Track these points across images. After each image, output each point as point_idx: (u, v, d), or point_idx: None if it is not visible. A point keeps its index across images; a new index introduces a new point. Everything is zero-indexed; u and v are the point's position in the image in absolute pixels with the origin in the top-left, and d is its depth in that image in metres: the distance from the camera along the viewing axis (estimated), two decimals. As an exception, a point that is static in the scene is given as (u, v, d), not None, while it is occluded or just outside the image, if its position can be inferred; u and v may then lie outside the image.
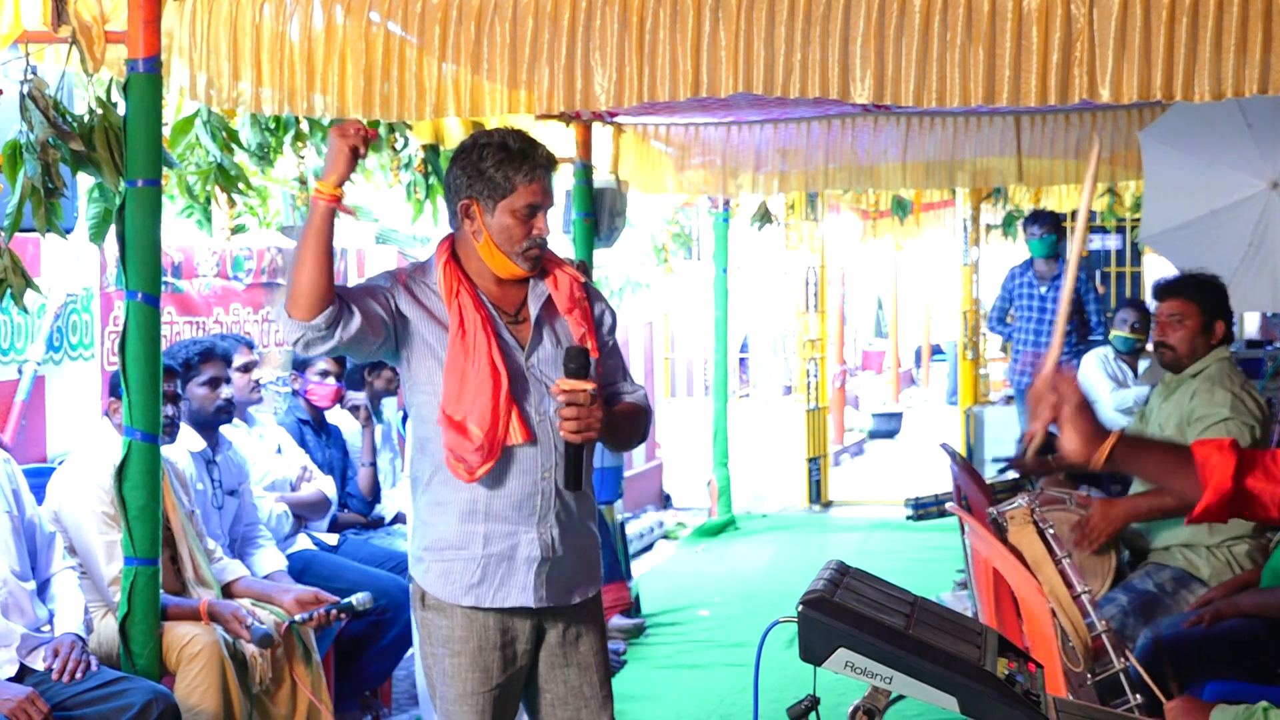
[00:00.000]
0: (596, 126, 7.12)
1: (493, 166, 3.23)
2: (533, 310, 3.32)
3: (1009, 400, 11.20)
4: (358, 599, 4.74)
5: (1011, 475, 5.15)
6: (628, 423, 3.44)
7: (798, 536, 9.89)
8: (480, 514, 3.28)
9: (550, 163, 3.29)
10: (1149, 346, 8.06)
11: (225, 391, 5.02)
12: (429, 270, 3.34)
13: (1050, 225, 9.12)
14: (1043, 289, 9.19)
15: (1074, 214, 10.18)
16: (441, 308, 3.28)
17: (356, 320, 3.19)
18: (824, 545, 9.48)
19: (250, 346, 5.63)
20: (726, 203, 10.14)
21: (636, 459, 10.27)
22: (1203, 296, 4.73)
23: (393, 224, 8.49)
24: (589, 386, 3.15)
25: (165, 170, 4.26)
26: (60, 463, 4.81)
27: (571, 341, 3.31)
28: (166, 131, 4.68)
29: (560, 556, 3.31)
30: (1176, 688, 4.04)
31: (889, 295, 19.38)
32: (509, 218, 3.24)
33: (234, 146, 5.43)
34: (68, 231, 4.35)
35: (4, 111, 4.23)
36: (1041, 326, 9.19)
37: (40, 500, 4.41)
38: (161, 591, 4.15)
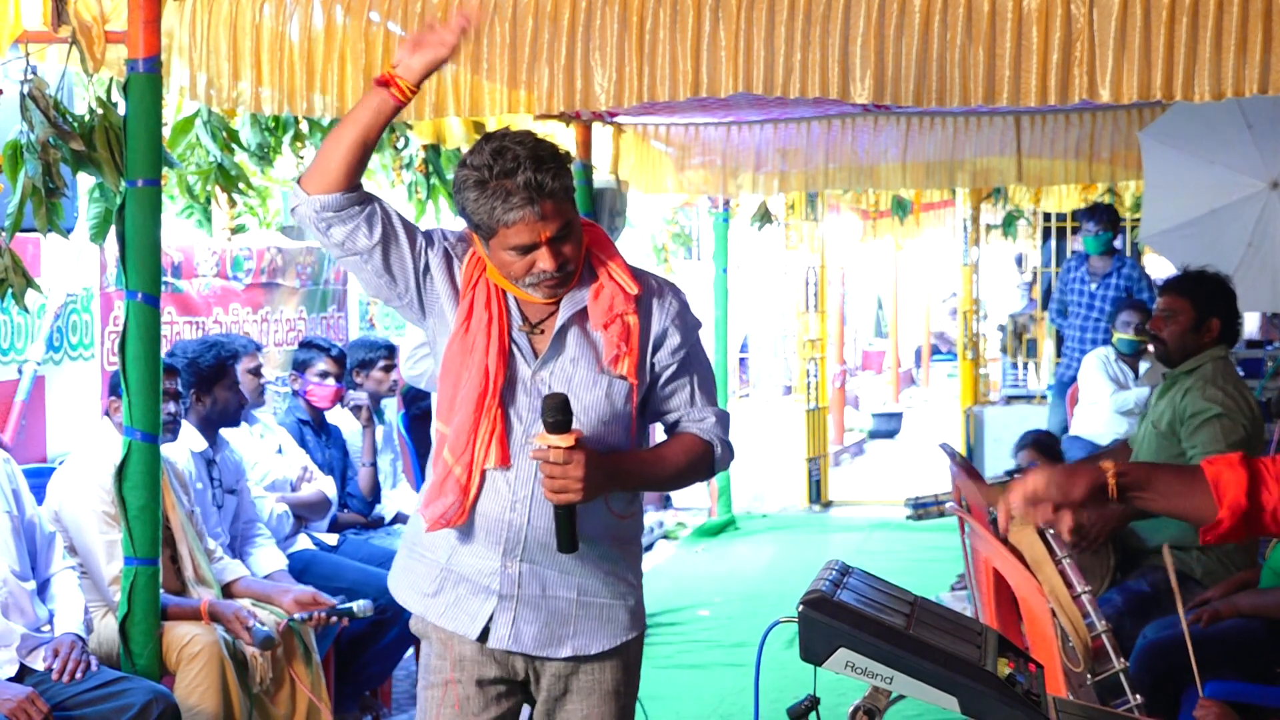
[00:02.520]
0: (596, 126, 7.13)
1: (472, 204, 2.79)
2: (560, 318, 2.88)
3: (1010, 400, 11.20)
4: (358, 606, 4.72)
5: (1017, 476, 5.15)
6: (668, 462, 2.98)
7: (798, 536, 9.89)
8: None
9: (539, 185, 2.74)
10: (1150, 347, 8.06)
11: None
12: (465, 250, 2.96)
13: (1106, 222, 9.04)
14: (1093, 286, 9.12)
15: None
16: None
17: (378, 232, 2.85)
18: (824, 545, 9.48)
19: (259, 349, 5.66)
20: (726, 203, 10.14)
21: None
22: (1198, 293, 4.74)
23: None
24: (563, 443, 2.71)
25: (165, 170, 4.27)
26: (60, 463, 4.81)
27: (601, 359, 2.88)
28: (166, 131, 4.69)
29: (534, 599, 2.91)
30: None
31: (889, 295, 19.39)
32: (504, 254, 2.81)
33: (234, 146, 5.44)
34: (68, 231, 4.36)
35: (4, 111, 4.23)
36: (1087, 324, 9.12)
37: (40, 500, 4.41)
38: (162, 591, 4.15)
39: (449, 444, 2.86)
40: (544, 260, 2.78)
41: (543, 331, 2.90)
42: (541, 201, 2.74)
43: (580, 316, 2.89)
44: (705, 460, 3.02)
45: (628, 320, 2.89)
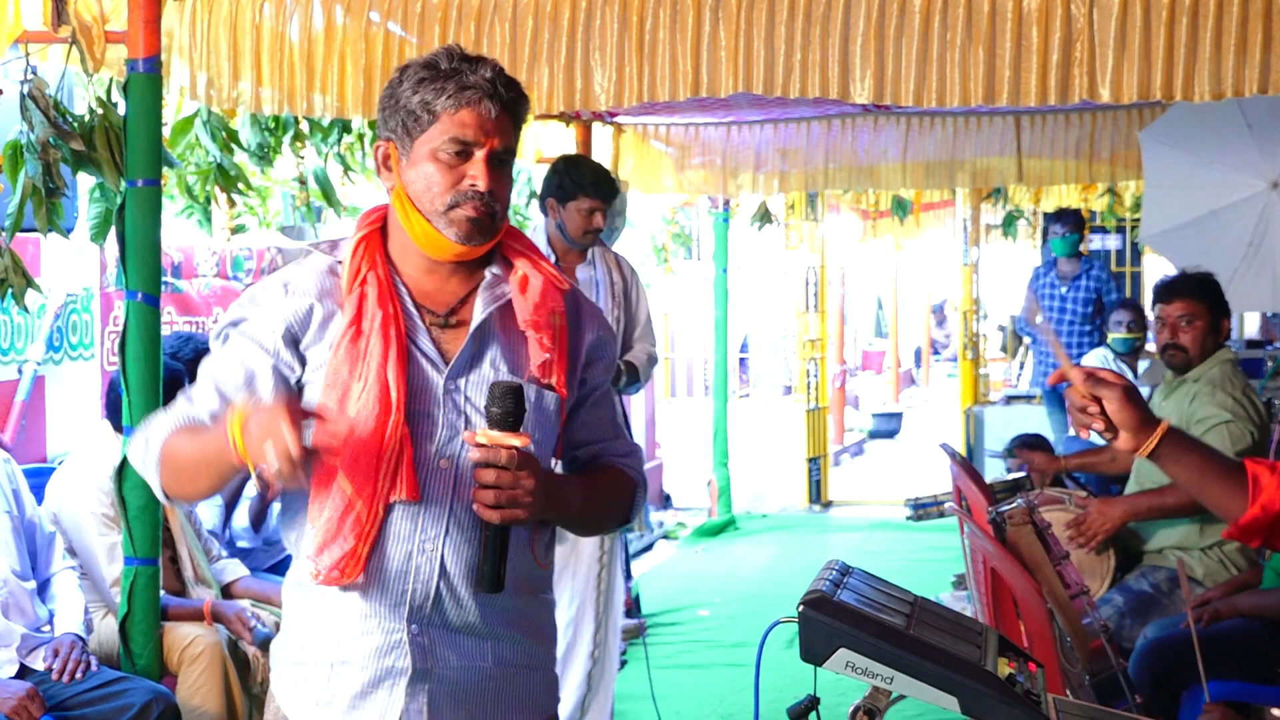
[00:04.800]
0: (596, 126, 7.13)
1: (409, 90, 2.28)
2: (478, 312, 2.32)
3: (1009, 400, 11.20)
4: None
5: (1013, 476, 5.16)
6: (596, 497, 2.43)
7: (798, 536, 9.90)
8: (331, 598, 2.30)
9: (502, 90, 2.28)
10: (1148, 346, 8.06)
11: None
12: (339, 248, 2.38)
13: (1073, 224, 9.16)
14: (1063, 289, 9.20)
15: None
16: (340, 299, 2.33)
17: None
18: (824, 545, 9.48)
19: None
20: (726, 203, 10.15)
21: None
22: (1210, 295, 4.72)
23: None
24: (517, 442, 2.15)
25: (165, 170, 4.27)
26: (60, 463, 4.81)
27: (528, 366, 2.34)
28: (166, 131, 4.69)
29: (450, 672, 2.31)
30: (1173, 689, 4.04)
31: (889, 295, 19.40)
32: (429, 161, 2.27)
33: (234, 146, 5.44)
34: (68, 231, 4.36)
35: (4, 111, 4.24)
36: (1060, 327, 9.20)
37: (39, 501, 4.41)
38: (163, 592, 4.16)
39: (344, 471, 2.24)
40: (479, 173, 2.26)
41: (453, 326, 2.34)
42: (499, 103, 2.27)
43: (503, 312, 2.34)
44: (630, 501, 2.49)
45: (560, 321, 2.37)
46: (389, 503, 2.26)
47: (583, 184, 4.97)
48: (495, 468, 2.15)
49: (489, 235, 2.31)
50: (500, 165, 2.29)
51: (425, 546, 2.27)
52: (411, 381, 2.27)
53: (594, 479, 2.44)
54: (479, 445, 2.16)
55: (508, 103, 2.28)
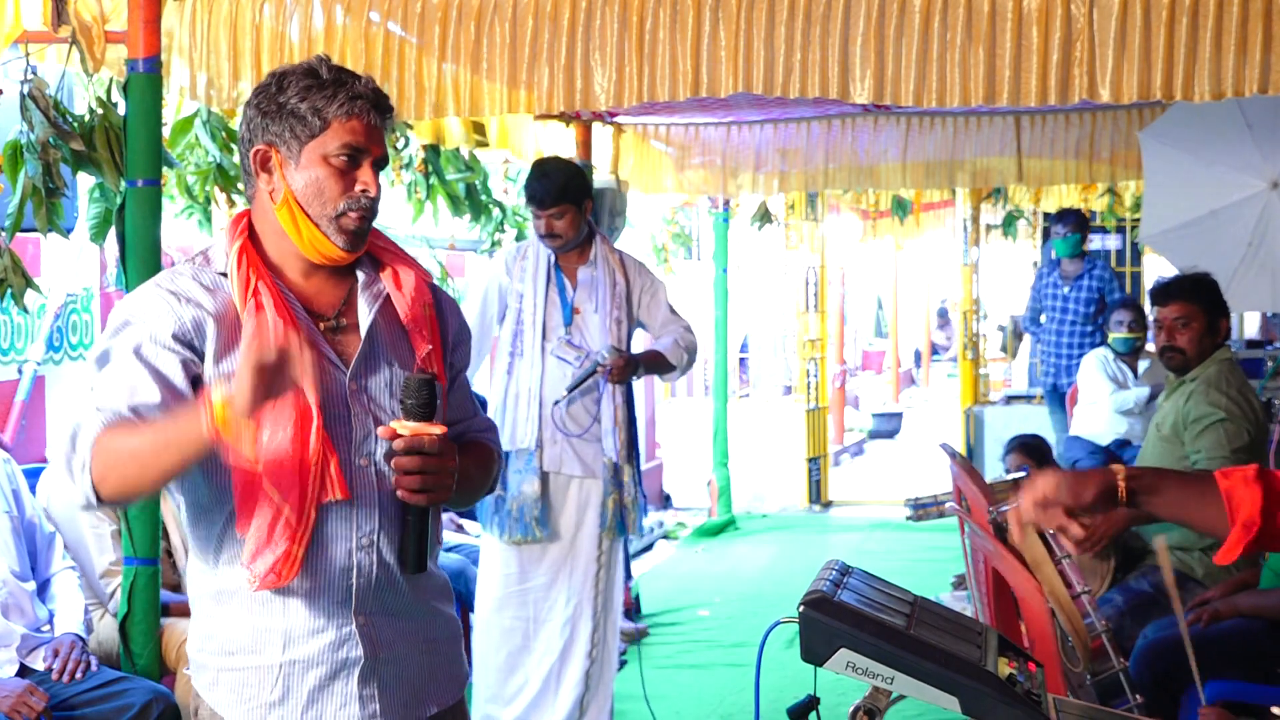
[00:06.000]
0: (596, 126, 7.13)
1: (296, 97, 2.34)
2: (364, 314, 2.41)
3: (1009, 400, 11.21)
4: None
5: (1013, 476, 5.16)
6: (477, 471, 2.58)
7: (798, 536, 9.90)
8: (274, 602, 2.37)
9: (381, 102, 2.40)
10: (1149, 346, 8.07)
11: None
12: (212, 260, 2.42)
13: (1074, 224, 9.15)
14: (1065, 289, 9.20)
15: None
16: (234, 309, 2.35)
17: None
18: (824, 545, 9.48)
19: None
20: (726, 203, 10.15)
21: (636, 459, 10.28)
22: (1205, 296, 4.73)
23: (392, 224, 8.49)
24: (437, 431, 2.29)
25: (165, 170, 4.27)
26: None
27: (416, 358, 2.44)
28: (166, 131, 4.68)
29: (394, 655, 2.44)
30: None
31: (889, 295, 19.39)
32: (320, 166, 2.34)
33: (234, 146, 5.44)
34: (68, 231, 4.36)
35: (4, 111, 4.24)
36: (1063, 327, 9.19)
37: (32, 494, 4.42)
38: (161, 590, 4.16)
39: (269, 479, 2.30)
40: (369, 180, 2.36)
41: (348, 327, 2.42)
42: (381, 114, 2.39)
43: (382, 310, 2.44)
44: (497, 472, 2.66)
45: (431, 312, 2.49)
46: (320, 504, 2.34)
47: (529, 192, 4.97)
48: (421, 454, 2.29)
49: (365, 240, 2.42)
50: (379, 173, 2.41)
51: (363, 541, 2.38)
52: (320, 386, 2.31)
53: (470, 454, 2.55)
54: (401, 438, 2.29)
55: (385, 115, 2.41)
